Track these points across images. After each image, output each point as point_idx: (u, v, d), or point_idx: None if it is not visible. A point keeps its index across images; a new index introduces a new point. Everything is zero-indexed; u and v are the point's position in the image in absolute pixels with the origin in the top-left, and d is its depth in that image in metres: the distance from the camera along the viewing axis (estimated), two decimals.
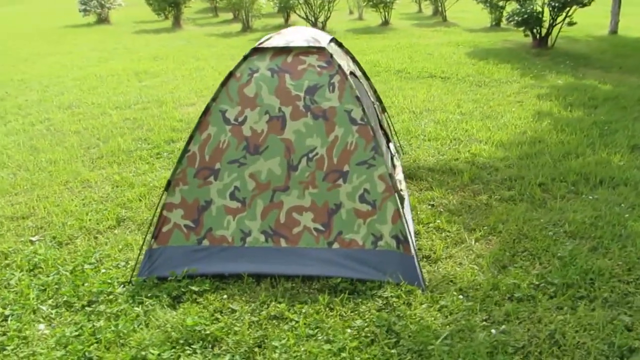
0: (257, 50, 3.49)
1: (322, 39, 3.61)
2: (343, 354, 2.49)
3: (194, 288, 2.99)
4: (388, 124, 4.86)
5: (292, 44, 3.49)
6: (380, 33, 14.94)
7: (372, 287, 2.98)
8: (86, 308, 2.91)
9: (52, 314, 2.88)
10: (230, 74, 3.41)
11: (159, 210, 3.27)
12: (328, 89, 3.33)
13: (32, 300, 2.99)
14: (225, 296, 2.95)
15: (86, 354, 2.54)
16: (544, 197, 4.18)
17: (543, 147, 5.27)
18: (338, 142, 3.25)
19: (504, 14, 11.22)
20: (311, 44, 3.47)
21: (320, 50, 3.44)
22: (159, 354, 2.51)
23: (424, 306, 2.83)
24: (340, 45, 4.12)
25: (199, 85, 8.72)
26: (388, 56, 10.90)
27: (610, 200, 4.03)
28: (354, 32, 15.39)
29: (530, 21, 10.48)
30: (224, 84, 3.39)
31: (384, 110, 4.86)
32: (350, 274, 3.08)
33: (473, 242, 3.52)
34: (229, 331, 2.68)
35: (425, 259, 3.34)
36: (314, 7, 15.46)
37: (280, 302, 2.87)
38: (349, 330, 2.66)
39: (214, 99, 3.37)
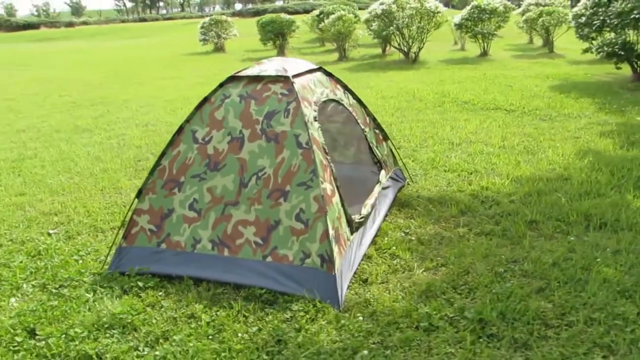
0: (233, 79, 3.89)
1: (293, 69, 3.89)
2: (224, 354, 2.71)
3: (140, 284, 3.41)
4: (388, 152, 4.95)
5: (263, 73, 3.83)
6: (473, 64, 14.69)
7: (290, 300, 3.16)
8: (54, 290, 3.45)
9: (28, 292, 3.47)
10: (205, 99, 3.84)
11: (129, 214, 3.76)
12: (283, 114, 3.61)
13: (18, 278, 3.61)
14: (161, 293, 3.33)
15: (31, 325, 3.04)
16: (526, 234, 4.01)
17: (562, 184, 4.98)
18: (284, 164, 3.50)
19: (594, 44, 10.48)
20: (279, 74, 3.78)
21: (285, 79, 3.74)
22: (81, 333, 2.94)
23: (324, 322, 2.95)
24: (329, 74, 4.37)
25: None
26: (463, 87, 10.76)
27: (596, 244, 3.76)
28: (447, 62, 15.30)
29: (620, 53, 9.71)
30: (198, 107, 3.83)
31: (385, 138, 4.97)
32: (276, 286, 3.28)
33: (420, 272, 3.53)
34: (146, 322, 3.03)
35: (360, 281, 3.43)
36: (407, 37, 15.65)
37: (201, 304, 3.17)
38: (245, 335, 2.87)
39: (187, 120, 3.81)
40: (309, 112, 3.68)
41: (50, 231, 4.43)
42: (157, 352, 2.77)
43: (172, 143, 3.79)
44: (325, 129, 5.11)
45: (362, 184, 4.50)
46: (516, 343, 2.74)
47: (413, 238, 4.05)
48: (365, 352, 2.67)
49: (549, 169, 5.53)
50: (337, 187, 3.63)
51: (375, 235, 4.02)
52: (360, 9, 23.00)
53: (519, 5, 21.46)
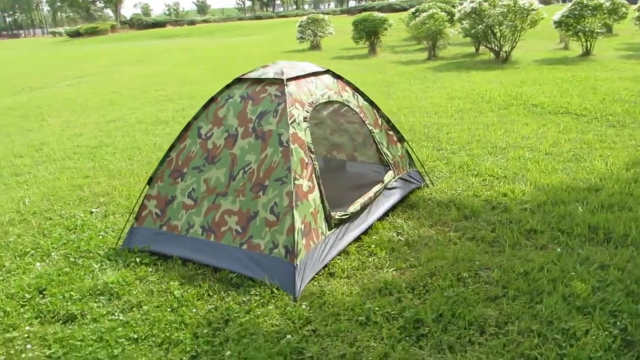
0: (239, 80, 4.25)
1: (292, 72, 4.14)
2: (175, 325, 3.09)
3: (139, 260, 3.90)
4: (403, 154, 5.01)
5: (263, 76, 4.15)
6: (569, 64, 13.76)
7: (253, 285, 3.45)
8: (72, 259, 4.06)
9: (54, 259, 4.11)
10: (212, 99, 4.24)
11: (141, 198, 4.27)
12: (272, 114, 3.89)
13: (51, 247, 4.28)
14: (151, 269, 3.79)
15: (43, 285, 3.64)
16: (518, 243, 3.92)
17: (588, 195, 4.72)
18: (266, 160, 3.79)
19: None
20: (277, 76, 4.07)
21: (280, 82, 4.02)
22: (76, 296, 3.47)
23: (272, 308, 3.20)
24: (338, 77, 4.57)
25: None
26: (541, 89, 10.22)
27: (586, 257, 3.59)
28: (541, 62, 14.46)
29: None
30: (206, 106, 4.24)
31: (400, 139, 5.04)
32: (246, 271, 3.59)
33: (388, 270, 3.63)
34: (128, 293, 3.50)
35: (327, 275, 3.62)
36: (498, 36, 15.03)
37: (178, 281, 3.57)
38: (201, 312, 3.22)
39: (195, 118, 4.24)
40: (299, 112, 3.92)
41: (93, 210, 5.12)
42: (124, 318, 3.21)
43: (180, 138, 4.24)
44: (345, 129, 5.33)
45: (367, 182, 4.64)
46: (441, 345, 2.79)
47: (402, 239, 4.13)
48: (289, 336, 2.89)
49: (584, 178, 5.23)
50: (319, 184, 3.84)
51: (365, 233, 4.17)
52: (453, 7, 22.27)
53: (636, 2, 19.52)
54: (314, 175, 3.83)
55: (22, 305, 3.45)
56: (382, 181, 4.60)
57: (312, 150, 3.91)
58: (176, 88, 13.72)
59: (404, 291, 3.32)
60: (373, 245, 3.96)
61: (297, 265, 3.44)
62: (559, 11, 15.78)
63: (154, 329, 3.07)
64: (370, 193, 4.37)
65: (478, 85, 11.10)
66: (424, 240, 4.08)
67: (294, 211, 3.54)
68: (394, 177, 4.77)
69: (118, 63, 22.46)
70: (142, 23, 55.73)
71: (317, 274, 3.60)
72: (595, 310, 2.98)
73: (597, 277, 3.34)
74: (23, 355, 2.94)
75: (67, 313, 3.31)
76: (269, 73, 4.16)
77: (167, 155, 4.25)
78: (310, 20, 21.81)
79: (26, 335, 3.12)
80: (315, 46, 22.10)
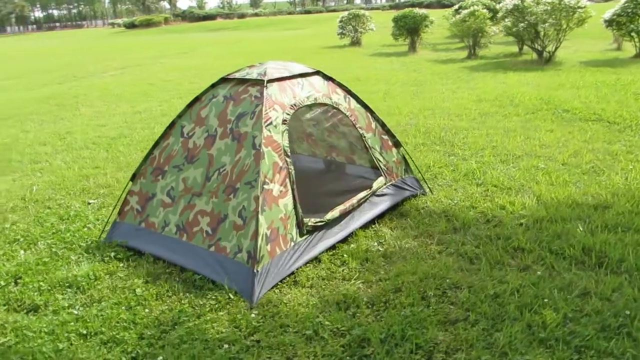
0: (224, 80, 4.22)
1: (276, 73, 4.06)
2: (124, 324, 3.08)
3: (113, 254, 3.94)
4: (399, 159, 4.84)
5: (247, 76, 4.09)
6: (617, 67, 12.99)
7: (213, 288, 3.41)
8: (54, 249, 4.15)
9: (39, 248, 4.22)
10: (197, 98, 4.23)
11: (124, 194, 4.31)
12: (250, 116, 3.83)
13: (39, 236, 4.40)
14: (122, 265, 3.82)
15: (19, 274, 3.74)
16: (500, 261, 3.70)
17: (593, 213, 4.41)
18: (239, 162, 3.73)
19: None
20: (259, 77, 4.00)
21: (262, 83, 3.95)
22: (45, 286, 3.55)
23: (223, 313, 3.15)
24: (329, 79, 4.45)
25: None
26: (578, 93, 9.69)
27: (568, 283, 3.35)
28: (587, 64, 13.74)
29: None
30: (190, 105, 4.23)
31: (396, 144, 4.87)
32: (211, 274, 3.55)
33: (355, 282, 3.51)
34: (94, 287, 3.54)
35: (292, 282, 3.53)
36: (542, 35, 14.38)
37: (143, 279, 3.58)
38: (155, 312, 3.21)
39: (179, 116, 4.24)
40: (277, 115, 3.84)
41: (90, 201, 5.23)
42: (81, 312, 3.24)
43: (164, 135, 4.25)
44: (342, 132, 5.20)
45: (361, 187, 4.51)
46: None
47: (381, 249, 3.99)
48: (227, 346, 2.83)
49: (595, 193, 4.89)
50: (293, 189, 3.76)
51: (344, 241, 4.05)
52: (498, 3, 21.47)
53: None
54: (287, 180, 3.75)
55: None
56: (370, 187, 4.46)
57: (289, 154, 3.82)
58: (211, 81, 13.84)
59: (363, 306, 3.19)
60: (346, 255, 3.84)
61: (257, 271, 3.37)
62: (610, 9, 14.93)
63: (104, 326, 3.08)
64: (354, 200, 4.25)
65: (510, 88, 10.65)
66: (403, 252, 3.93)
67: (259, 216, 3.47)
68: (385, 184, 4.62)
69: (162, 55, 23.03)
70: (194, 16, 57.02)
71: (281, 281, 3.52)
72: (559, 344, 2.76)
73: (573, 305, 3.10)
74: None
75: (32, 303, 3.39)
76: (253, 73, 4.10)
77: (150, 152, 4.27)
78: (351, 16, 21.61)
79: None
80: (355, 42, 21.89)
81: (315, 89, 4.28)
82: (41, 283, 3.60)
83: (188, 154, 4.05)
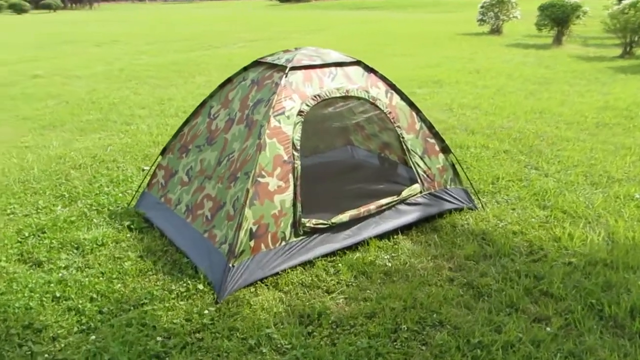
0: (257, 63, 4.08)
1: (306, 60, 3.81)
2: (97, 295, 3.15)
3: (127, 223, 4.07)
4: (445, 167, 4.32)
5: (276, 62, 3.90)
6: None
7: (194, 276, 3.35)
8: (86, 210, 4.41)
9: (77, 206, 4.52)
10: (229, 79, 4.15)
11: (153, 167, 4.42)
12: (265, 103, 3.65)
13: (81, 195, 4.72)
14: (130, 235, 3.92)
15: (42, 228, 4.05)
16: (511, 304, 3.13)
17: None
18: (245, 151, 3.59)
19: None
20: (285, 64, 3.79)
21: (284, 69, 3.74)
22: (57, 244, 3.78)
23: (186, 304, 3.07)
24: (370, 70, 4.09)
25: (474, 105, 8.84)
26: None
27: (581, 349, 2.72)
28: None
29: None
30: (222, 86, 4.17)
31: (444, 150, 4.35)
32: (195, 258, 3.50)
33: (336, 297, 3.20)
34: (92, 253, 3.69)
35: (273, 284, 3.33)
36: None
37: (136, 253, 3.65)
38: (127, 290, 3.24)
39: (211, 96, 4.20)
40: (292, 104, 3.61)
41: (144, 167, 5.48)
42: (65, 275, 3.39)
43: (194, 114, 4.25)
44: (391, 129, 4.79)
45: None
46: None
47: (388, 265, 3.61)
48: (163, 339, 2.74)
49: None
50: (295, 185, 3.52)
51: (350, 248, 3.74)
52: None
53: None
54: (290, 175, 3.52)
55: (18, 242, 3.87)
56: (399, 193, 4.05)
57: (297, 147, 3.58)
58: None
59: (325, 325, 2.90)
60: (341, 265, 3.53)
61: (232, 266, 3.23)
62: None
63: (76, 294, 3.18)
64: (372, 205, 3.88)
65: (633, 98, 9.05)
66: (410, 272, 3.50)
67: (246, 209, 3.31)
68: (420, 192, 4.16)
69: (296, 30, 23.52)
70: None
71: (262, 280, 3.35)
72: None
73: None
74: None
75: (37, 258, 3.62)
76: (282, 59, 3.89)
77: (180, 129, 4.30)
78: (494, 2, 20.00)
79: None
80: (495, 30, 20.28)
81: (351, 81, 3.94)
82: (54, 241, 3.84)
83: (210, 135, 4.00)
